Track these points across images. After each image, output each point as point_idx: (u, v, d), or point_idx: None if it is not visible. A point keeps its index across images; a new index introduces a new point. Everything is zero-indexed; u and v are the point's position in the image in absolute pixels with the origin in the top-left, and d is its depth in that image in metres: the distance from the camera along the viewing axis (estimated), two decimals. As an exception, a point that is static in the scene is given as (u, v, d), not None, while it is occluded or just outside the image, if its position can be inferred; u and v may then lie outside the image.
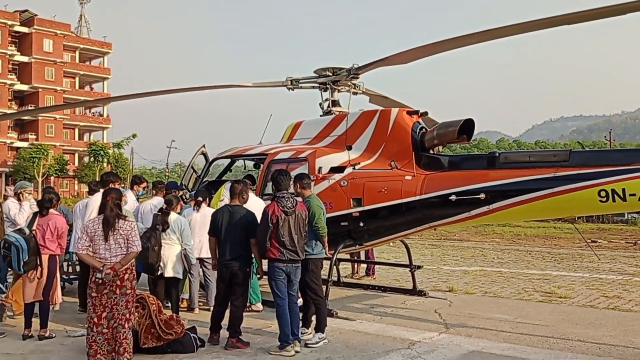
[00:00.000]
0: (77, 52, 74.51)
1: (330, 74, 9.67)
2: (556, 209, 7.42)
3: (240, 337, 6.63)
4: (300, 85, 9.99)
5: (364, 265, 12.57)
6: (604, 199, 6.90)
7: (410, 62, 8.66)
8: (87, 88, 76.63)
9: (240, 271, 6.67)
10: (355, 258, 12.30)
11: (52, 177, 64.15)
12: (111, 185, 7.49)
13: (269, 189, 9.07)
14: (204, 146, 10.50)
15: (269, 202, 6.86)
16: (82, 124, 73.49)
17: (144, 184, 9.67)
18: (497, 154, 7.99)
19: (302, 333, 6.80)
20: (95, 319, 5.68)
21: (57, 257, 7.03)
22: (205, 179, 10.61)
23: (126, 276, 5.78)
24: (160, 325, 6.24)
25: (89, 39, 76.85)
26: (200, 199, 8.57)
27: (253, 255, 6.76)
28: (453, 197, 7.84)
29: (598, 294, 10.40)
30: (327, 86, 9.82)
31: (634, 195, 6.72)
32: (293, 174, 7.27)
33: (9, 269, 7.26)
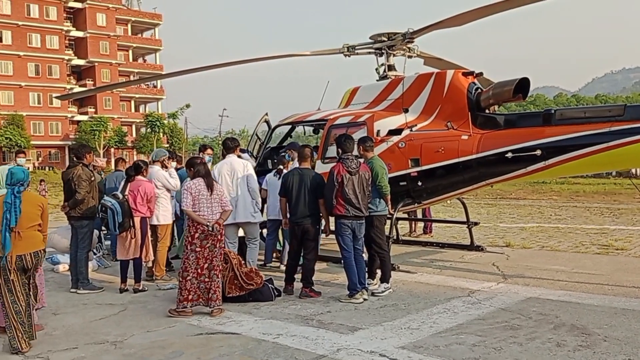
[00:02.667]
0: (129, 25, 76.15)
1: (386, 39, 10.00)
2: (610, 162, 7.66)
3: (312, 287, 7.29)
4: (356, 51, 10.37)
5: (421, 224, 13.03)
6: (659, 152, 7.09)
7: (465, 25, 8.91)
8: (140, 60, 78.51)
9: (311, 227, 7.29)
10: (413, 217, 12.75)
11: (112, 149, 66.70)
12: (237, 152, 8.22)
13: (329, 152, 9.58)
14: (266, 114, 11.05)
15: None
16: (137, 95, 75.60)
17: (210, 151, 10.41)
18: (552, 111, 8.22)
19: (368, 284, 7.37)
20: (199, 270, 6.46)
21: (147, 219, 7.82)
22: (268, 145, 11.22)
23: (222, 232, 6.59)
24: (242, 277, 6.95)
25: (139, 11, 78.20)
26: (281, 166, 9.11)
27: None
28: (509, 155, 8.14)
29: (655, 245, 10.56)
30: (383, 51, 10.15)
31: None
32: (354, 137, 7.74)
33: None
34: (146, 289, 7.80)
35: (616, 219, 15.34)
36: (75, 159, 7.94)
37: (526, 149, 8.06)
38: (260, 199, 8.12)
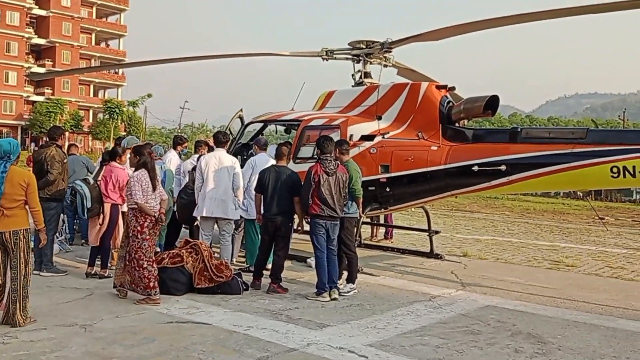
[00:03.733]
0: (94, 8, 74.43)
1: (364, 47, 10.23)
2: (571, 182, 8.09)
3: (280, 283, 7.42)
4: (334, 56, 10.56)
5: (382, 229, 13.29)
6: (616, 175, 7.55)
7: (441, 40, 9.23)
8: (102, 44, 76.78)
9: (283, 225, 7.43)
10: (375, 222, 13.00)
11: (67, 133, 64.89)
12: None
13: (302, 153, 9.73)
14: (241, 110, 11.12)
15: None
16: (97, 80, 73.92)
17: (186, 144, 10.43)
18: (519, 129, 8.61)
19: (334, 283, 7.53)
20: (153, 257, 6.55)
21: (119, 206, 7.77)
22: (239, 141, 11.28)
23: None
24: (212, 269, 7.02)
25: (106, -6, 76.53)
26: None
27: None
28: (475, 168, 8.49)
29: (603, 264, 11.11)
30: (361, 58, 10.38)
31: (644, 172, 7.36)
32: None
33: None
34: (112, 275, 7.74)
35: (566, 237, 15.99)
36: (48, 139, 7.84)
37: (492, 163, 8.42)
38: (242, 198, 8.21)
